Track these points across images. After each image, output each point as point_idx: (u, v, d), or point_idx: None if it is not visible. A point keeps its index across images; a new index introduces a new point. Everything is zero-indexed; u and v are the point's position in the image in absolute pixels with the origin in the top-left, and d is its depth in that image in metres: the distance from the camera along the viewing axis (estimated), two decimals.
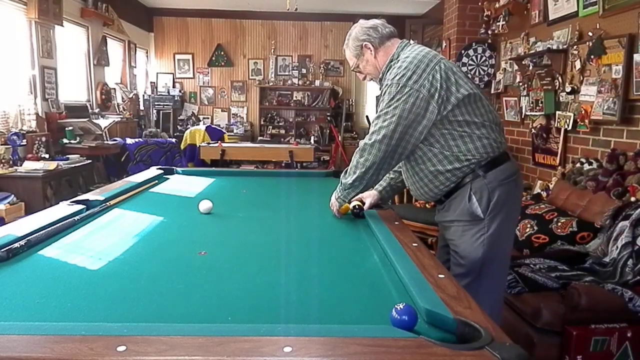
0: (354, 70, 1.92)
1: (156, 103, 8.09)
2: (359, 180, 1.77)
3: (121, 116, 6.54)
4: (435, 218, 1.92)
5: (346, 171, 1.85)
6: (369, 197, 1.97)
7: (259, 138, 8.39)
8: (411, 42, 1.86)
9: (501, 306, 1.93)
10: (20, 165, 4.14)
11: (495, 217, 1.69)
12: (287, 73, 8.68)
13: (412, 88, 1.63)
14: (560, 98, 3.78)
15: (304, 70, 8.65)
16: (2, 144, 4.15)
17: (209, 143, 6.41)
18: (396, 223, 1.77)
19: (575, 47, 3.58)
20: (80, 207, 1.88)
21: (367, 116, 8.04)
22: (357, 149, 1.78)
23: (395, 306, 0.95)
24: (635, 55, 2.97)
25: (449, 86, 1.64)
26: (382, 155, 1.69)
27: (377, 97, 5.86)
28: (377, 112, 1.78)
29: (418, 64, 1.65)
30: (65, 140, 5.02)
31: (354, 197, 1.88)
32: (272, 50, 8.58)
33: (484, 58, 5.16)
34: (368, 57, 1.83)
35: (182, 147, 6.74)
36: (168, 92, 8.40)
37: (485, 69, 5.17)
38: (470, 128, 1.68)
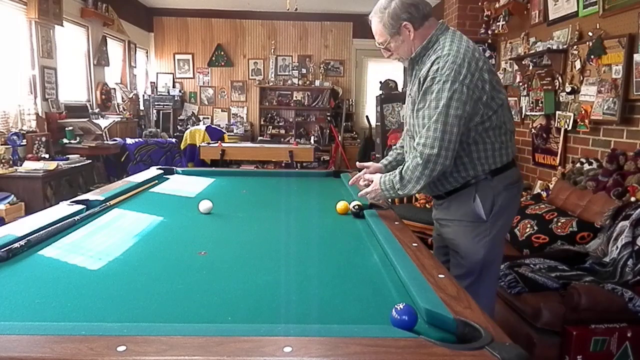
0: (383, 47, 1.74)
1: (156, 103, 8.09)
2: (422, 188, 1.66)
3: (121, 116, 6.53)
4: (433, 215, 1.92)
5: (402, 176, 1.67)
6: (375, 169, 1.96)
7: (259, 138, 8.39)
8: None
9: (494, 305, 1.94)
10: (20, 165, 4.13)
11: (497, 220, 1.70)
12: (287, 73, 8.67)
13: (469, 87, 1.55)
14: (560, 98, 3.78)
15: (304, 70, 8.64)
16: (2, 144, 4.15)
17: (209, 143, 6.41)
18: (396, 223, 1.77)
19: (575, 47, 3.58)
20: (80, 207, 1.88)
21: (367, 116, 8.03)
22: (419, 159, 1.60)
23: (395, 306, 0.95)
24: (635, 55, 2.97)
25: (490, 90, 1.61)
26: (449, 163, 1.60)
27: (378, 95, 5.83)
28: (417, 99, 1.65)
29: (469, 62, 1.57)
30: (65, 140, 5.02)
31: None
32: (272, 50, 8.57)
33: None
34: (405, 38, 1.67)
35: (182, 147, 6.75)
36: (168, 92, 8.39)
37: None
38: (495, 134, 1.66)
